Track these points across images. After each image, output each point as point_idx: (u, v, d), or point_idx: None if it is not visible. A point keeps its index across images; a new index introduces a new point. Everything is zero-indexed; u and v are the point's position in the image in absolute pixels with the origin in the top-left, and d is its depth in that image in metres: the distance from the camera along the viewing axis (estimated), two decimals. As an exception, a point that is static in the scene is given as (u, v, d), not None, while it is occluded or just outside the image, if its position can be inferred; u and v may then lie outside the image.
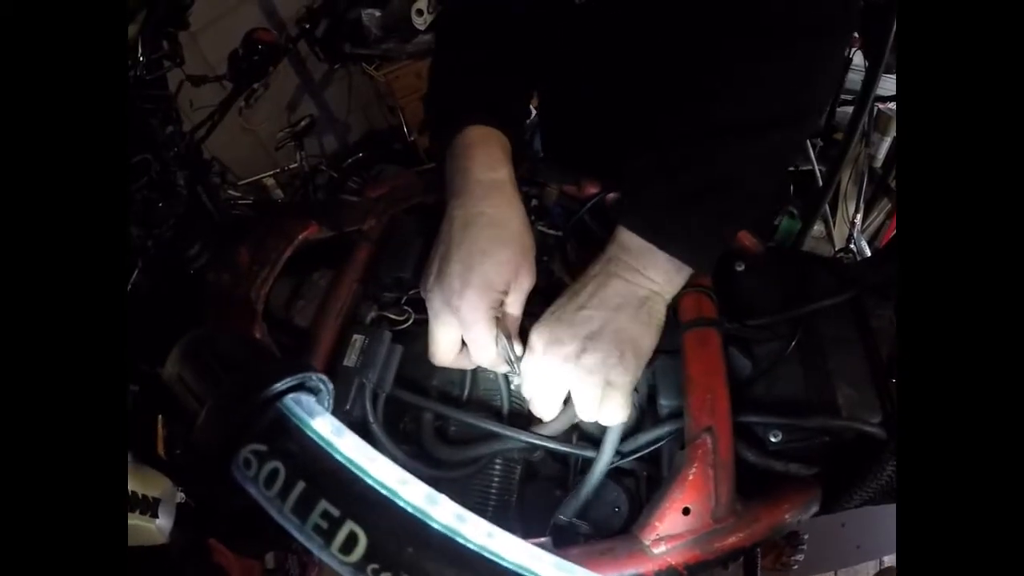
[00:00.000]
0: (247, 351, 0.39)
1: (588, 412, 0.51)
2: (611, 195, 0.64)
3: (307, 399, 0.36)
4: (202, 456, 0.34)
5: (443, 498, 0.32)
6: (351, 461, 0.32)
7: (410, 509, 0.31)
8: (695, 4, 0.58)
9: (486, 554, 0.30)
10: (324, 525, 0.30)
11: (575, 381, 0.50)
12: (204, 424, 0.34)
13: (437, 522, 0.31)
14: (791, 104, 0.53)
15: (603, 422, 0.51)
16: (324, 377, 0.38)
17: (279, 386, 0.35)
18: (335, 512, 0.30)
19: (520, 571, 0.30)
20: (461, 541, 0.30)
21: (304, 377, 0.37)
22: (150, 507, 0.47)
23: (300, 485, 0.31)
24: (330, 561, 0.30)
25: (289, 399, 0.35)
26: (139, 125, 0.70)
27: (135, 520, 0.45)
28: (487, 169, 0.57)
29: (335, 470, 0.32)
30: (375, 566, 0.29)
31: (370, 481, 0.32)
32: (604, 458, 0.51)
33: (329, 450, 0.33)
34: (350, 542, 0.29)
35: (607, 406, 0.50)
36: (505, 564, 0.30)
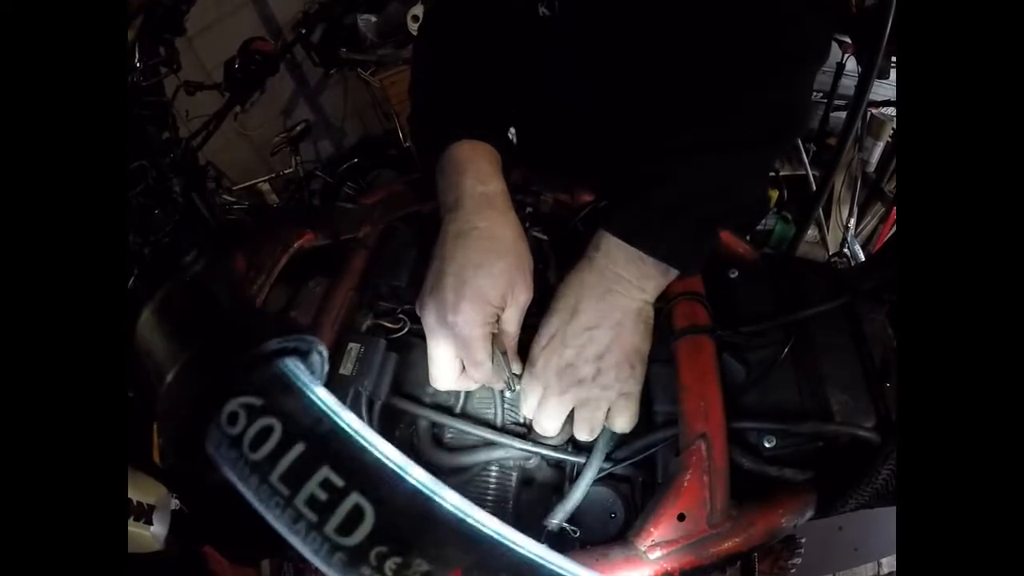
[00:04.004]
0: (242, 308, 0.34)
1: (594, 428, 0.52)
2: (605, 203, 0.64)
3: (306, 367, 0.31)
4: (179, 401, 0.28)
5: (448, 488, 0.28)
6: (359, 432, 0.27)
7: (425, 490, 0.26)
8: (664, 21, 0.59)
9: (507, 542, 0.26)
10: (322, 497, 0.25)
11: (591, 400, 0.51)
12: (188, 368, 0.28)
13: (451, 504, 0.26)
14: (773, 124, 0.55)
15: (616, 430, 0.52)
16: (323, 351, 0.34)
17: (280, 342, 0.30)
18: (339, 482, 0.25)
19: (545, 563, 0.26)
20: (478, 526, 0.26)
21: (310, 342, 0.32)
22: (145, 514, 0.47)
23: (298, 447, 0.26)
24: (317, 547, 0.25)
25: (290, 360, 0.30)
26: (136, 131, 0.71)
27: (130, 527, 0.45)
28: (478, 183, 0.57)
29: (343, 435, 0.27)
30: (381, 549, 0.24)
31: (379, 455, 0.27)
32: (595, 463, 0.51)
33: (335, 417, 0.28)
34: (353, 518, 0.24)
35: (620, 415, 0.51)
36: (527, 553, 0.26)
